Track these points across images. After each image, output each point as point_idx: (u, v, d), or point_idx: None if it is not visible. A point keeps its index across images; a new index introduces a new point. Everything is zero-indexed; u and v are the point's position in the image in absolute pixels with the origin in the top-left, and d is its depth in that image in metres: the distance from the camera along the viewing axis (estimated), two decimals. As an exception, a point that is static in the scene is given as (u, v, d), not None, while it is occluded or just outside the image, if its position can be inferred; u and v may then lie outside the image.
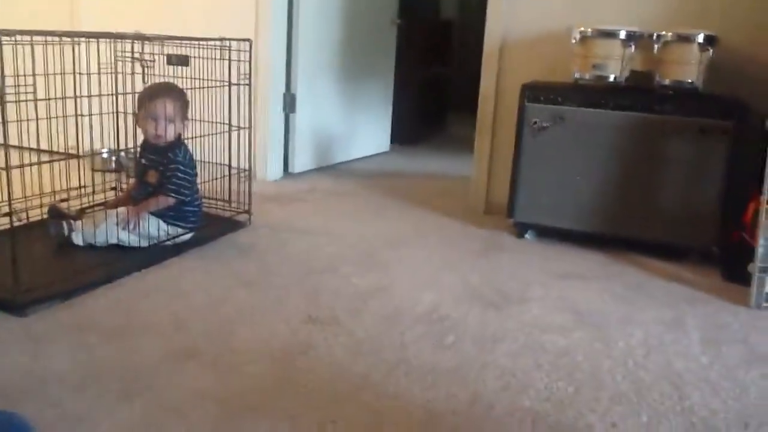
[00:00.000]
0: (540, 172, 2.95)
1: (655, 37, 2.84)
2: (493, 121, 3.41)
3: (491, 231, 3.16)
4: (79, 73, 2.78)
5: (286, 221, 3.19)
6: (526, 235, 3.06)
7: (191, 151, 2.77)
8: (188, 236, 2.72)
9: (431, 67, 5.53)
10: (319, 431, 1.55)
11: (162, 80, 2.86)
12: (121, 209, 2.63)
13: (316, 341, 1.98)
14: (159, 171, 2.68)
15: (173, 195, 2.64)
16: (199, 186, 2.81)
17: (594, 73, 2.91)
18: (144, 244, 2.59)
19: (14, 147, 2.18)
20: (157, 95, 2.66)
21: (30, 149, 2.60)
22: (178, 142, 2.71)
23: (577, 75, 2.96)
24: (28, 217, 2.66)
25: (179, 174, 2.66)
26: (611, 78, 2.89)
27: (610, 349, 2.03)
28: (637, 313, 2.32)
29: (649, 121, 2.78)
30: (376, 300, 2.31)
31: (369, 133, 4.74)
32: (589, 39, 2.89)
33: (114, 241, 2.56)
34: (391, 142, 5.00)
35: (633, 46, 2.87)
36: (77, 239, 2.54)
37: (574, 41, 2.93)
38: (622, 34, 2.84)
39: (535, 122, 2.91)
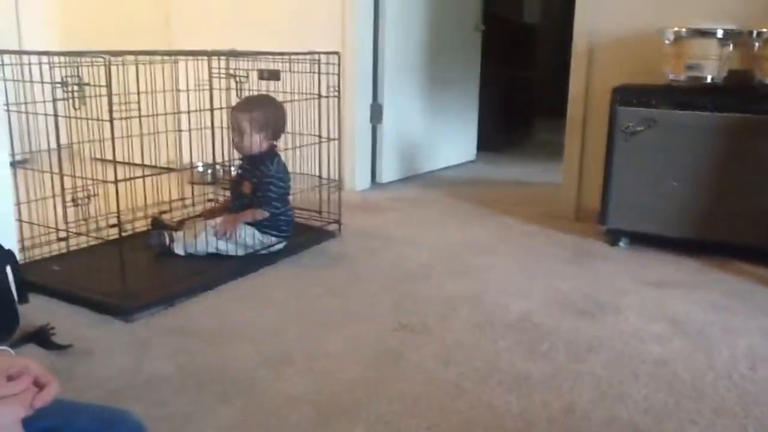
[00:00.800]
0: (633, 177, 2.88)
1: (755, 35, 2.72)
2: (583, 124, 3.34)
3: (582, 238, 3.10)
4: (178, 90, 2.92)
5: (375, 230, 3.23)
6: (620, 243, 2.98)
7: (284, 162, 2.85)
8: (281, 245, 2.79)
9: (515, 73, 5.48)
10: (412, 437, 1.57)
11: (256, 94, 2.96)
12: (218, 219, 2.73)
13: (408, 348, 2.00)
14: (253, 183, 2.77)
15: (266, 208, 2.72)
16: (291, 196, 2.88)
17: (689, 73, 2.81)
18: (240, 253, 2.68)
19: (119, 162, 2.31)
20: (238, 108, 2.76)
21: (132, 164, 2.74)
22: (272, 154, 2.79)
23: (670, 76, 2.87)
24: (133, 228, 2.80)
25: (273, 187, 2.73)
26: (708, 78, 2.79)
27: (711, 359, 1.95)
28: (739, 322, 2.22)
29: (748, 121, 2.66)
30: (466, 307, 2.31)
31: (455, 141, 4.73)
32: (684, 39, 2.80)
33: (212, 250, 2.66)
34: (478, 149, 4.98)
35: (731, 45, 2.76)
36: (178, 249, 2.65)
37: (667, 41, 2.84)
38: (719, 33, 2.74)
39: (627, 126, 2.84)
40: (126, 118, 2.01)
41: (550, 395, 1.75)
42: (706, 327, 2.17)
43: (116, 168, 2.12)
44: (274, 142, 2.82)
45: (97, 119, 2.05)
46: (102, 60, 1.96)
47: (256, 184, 2.76)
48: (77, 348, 1.98)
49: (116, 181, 2.10)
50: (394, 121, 4.14)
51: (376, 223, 3.36)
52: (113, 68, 2.04)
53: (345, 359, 1.93)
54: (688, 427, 1.61)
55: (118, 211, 2.17)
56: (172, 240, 2.67)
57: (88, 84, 2.19)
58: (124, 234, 2.72)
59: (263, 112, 2.75)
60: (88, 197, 2.49)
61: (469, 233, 3.21)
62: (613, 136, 2.89)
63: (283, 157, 2.85)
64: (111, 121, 2.01)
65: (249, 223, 2.71)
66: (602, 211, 2.98)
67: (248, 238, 2.70)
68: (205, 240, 2.65)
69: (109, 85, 1.99)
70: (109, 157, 2.14)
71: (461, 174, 4.55)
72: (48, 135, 2.51)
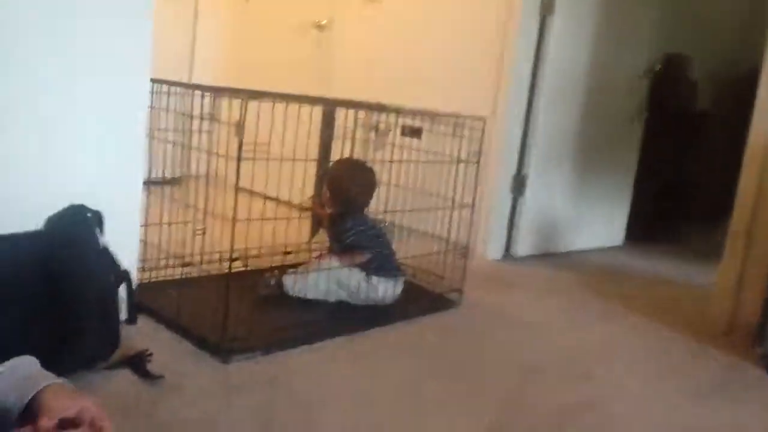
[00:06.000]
0: (802, 299, 2.49)
1: None
2: (749, 228, 2.97)
3: (732, 358, 2.71)
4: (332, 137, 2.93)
5: (497, 307, 3.02)
6: (778, 371, 2.58)
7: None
8: (398, 288, 2.74)
9: (676, 162, 5.08)
10: None
11: (395, 149, 2.89)
12: (326, 261, 2.72)
13: (505, 454, 1.79)
14: (336, 245, 2.79)
15: (360, 250, 2.69)
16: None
17: None
18: (351, 299, 2.66)
19: (252, 192, 2.33)
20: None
21: (272, 199, 2.74)
22: (346, 216, 2.75)
23: None
24: (248, 265, 2.79)
25: (356, 237, 2.70)
26: None
27: None
28: None
29: None
30: (580, 421, 2.04)
31: (600, 225, 4.43)
32: None
33: (321, 295, 2.62)
34: (626, 236, 4.64)
35: None
36: (290, 290, 2.63)
37: None
38: None
39: (803, 240, 2.48)
40: (251, 159, 1.98)
41: None
42: None
43: (236, 206, 2.10)
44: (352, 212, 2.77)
45: (226, 156, 2.04)
46: (240, 98, 1.95)
47: (340, 243, 2.75)
48: (167, 380, 1.94)
49: (234, 220, 2.08)
50: (536, 196, 3.93)
51: (500, 300, 3.15)
52: (251, 109, 2.04)
53: (432, 452, 1.75)
54: None
55: (231, 250, 2.14)
56: (281, 284, 2.64)
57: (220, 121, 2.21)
58: (244, 269, 2.74)
59: (338, 175, 2.80)
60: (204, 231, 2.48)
61: (599, 331, 2.92)
62: (783, 248, 2.53)
63: (409, 216, 2.76)
64: (238, 160, 1.99)
65: (356, 267, 2.67)
66: (760, 330, 2.60)
67: (353, 280, 2.65)
68: (315, 282, 2.61)
69: (242, 125, 1.98)
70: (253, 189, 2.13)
71: (603, 259, 4.23)
72: (188, 162, 2.57)
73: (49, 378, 1.10)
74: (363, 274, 2.67)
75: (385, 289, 2.70)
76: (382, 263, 2.72)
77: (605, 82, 4.10)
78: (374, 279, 2.68)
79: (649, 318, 3.13)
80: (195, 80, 4.46)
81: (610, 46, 4.05)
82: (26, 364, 1.14)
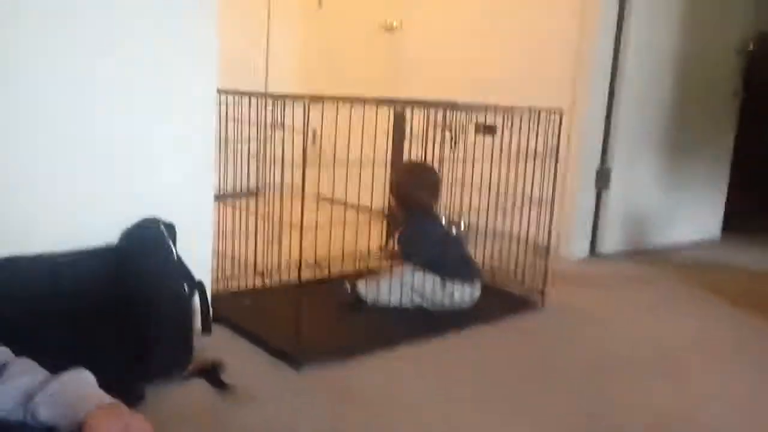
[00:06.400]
0: None
1: None
2: None
3: None
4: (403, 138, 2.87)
5: (582, 308, 2.88)
6: None
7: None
8: (475, 292, 2.65)
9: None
10: None
11: (468, 148, 2.80)
12: (398, 266, 2.65)
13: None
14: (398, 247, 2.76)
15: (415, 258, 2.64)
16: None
17: None
18: (429, 306, 2.58)
19: (326, 198, 2.30)
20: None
21: (336, 202, 2.71)
22: (410, 221, 2.71)
23: None
24: (320, 273, 2.76)
25: (415, 245, 2.67)
26: None
27: None
28: None
29: None
30: (673, 426, 1.90)
31: (693, 217, 4.18)
32: None
33: (397, 302, 2.55)
34: (723, 229, 4.35)
35: None
36: (367, 298, 2.58)
37: None
38: None
39: None
40: (319, 165, 1.94)
41: None
42: None
43: (303, 214, 2.06)
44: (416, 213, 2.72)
45: (294, 163, 2.01)
46: (305, 103, 1.92)
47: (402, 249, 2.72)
48: (241, 390, 1.92)
49: (301, 227, 2.05)
50: (622, 189, 3.74)
51: (586, 299, 3.00)
52: (319, 114, 2.01)
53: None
54: None
55: (300, 257, 2.11)
56: (357, 291, 2.60)
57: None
58: (318, 277, 2.72)
59: (397, 179, 2.78)
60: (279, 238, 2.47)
61: (695, 328, 2.73)
62: None
63: (490, 215, 2.66)
64: (303, 166, 1.96)
65: (428, 270, 2.59)
66: None
67: (428, 285, 2.57)
68: (389, 289, 2.55)
69: (307, 131, 1.94)
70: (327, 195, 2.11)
71: (698, 254, 3.98)
72: (259, 171, 2.57)
73: (100, 397, 1.10)
74: (438, 279, 2.60)
75: (462, 294, 2.61)
76: (457, 267, 2.63)
77: (694, 63, 3.86)
78: (449, 284, 2.60)
79: (749, 314, 2.91)
80: (271, 88, 4.51)
81: (699, 25, 3.82)
82: (77, 381, 1.13)
